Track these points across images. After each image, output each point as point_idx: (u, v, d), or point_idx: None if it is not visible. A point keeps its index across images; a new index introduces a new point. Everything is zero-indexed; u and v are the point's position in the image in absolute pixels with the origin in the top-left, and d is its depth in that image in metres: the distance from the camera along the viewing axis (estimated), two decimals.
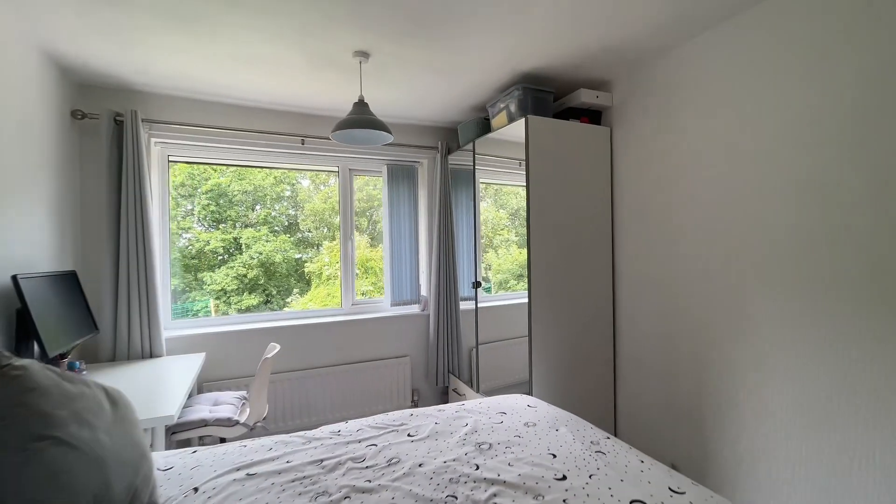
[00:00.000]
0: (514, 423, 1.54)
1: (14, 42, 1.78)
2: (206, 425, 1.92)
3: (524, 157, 2.26)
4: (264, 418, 2.18)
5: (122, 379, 1.99)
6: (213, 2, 1.63)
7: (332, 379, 2.95)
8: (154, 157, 2.64)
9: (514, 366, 2.43)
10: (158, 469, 1.26)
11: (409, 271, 3.36)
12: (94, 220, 2.37)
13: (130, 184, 2.34)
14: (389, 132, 2.13)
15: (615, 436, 2.38)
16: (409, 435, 1.47)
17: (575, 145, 2.41)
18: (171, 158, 2.78)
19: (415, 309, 3.35)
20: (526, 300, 2.30)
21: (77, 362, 1.97)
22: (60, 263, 2.08)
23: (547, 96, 2.43)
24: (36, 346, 1.64)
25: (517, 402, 1.74)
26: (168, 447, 1.88)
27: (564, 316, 2.37)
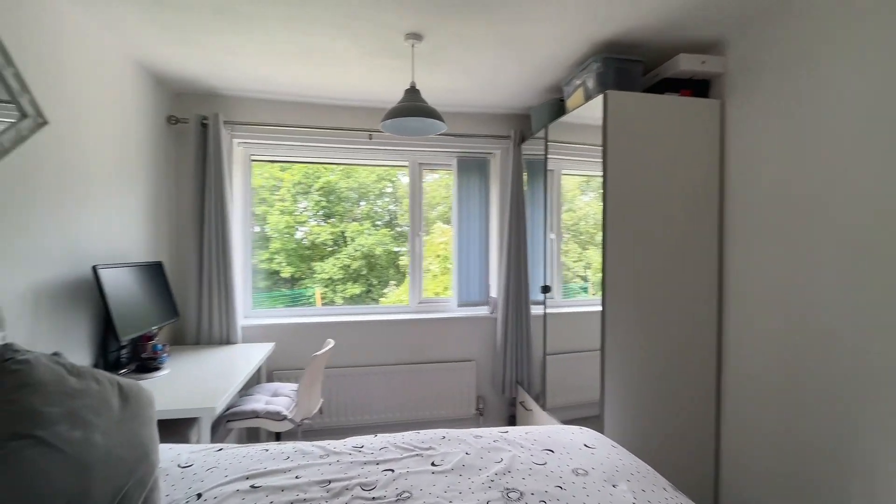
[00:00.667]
0: (560, 466, 1.25)
1: (113, 57, 1.98)
2: (256, 416, 1.96)
3: (601, 143, 1.90)
4: (320, 412, 2.19)
5: (192, 363, 2.14)
6: None
7: (395, 378, 2.89)
8: (237, 157, 2.82)
9: (590, 384, 2.09)
10: (179, 466, 1.26)
11: (479, 271, 3.15)
12: (182, 216, 2.61)
13: (212, 182, 2.52)
14: (441, 120, 1.95)
15: None
16: (432, 463, 1.29)
17: (671, 124, 1.96)
18: (252, 158, 2.96)
19: (483, 311, 3.14)
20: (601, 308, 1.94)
21: (160, 344, 2.16)
22: (150, 255, 2.31)
23: (634, 67, 2.01)
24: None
25: (572, 439, 1.44)
26: (220, 436, 1.96)
27: (650, 333, 1.95)
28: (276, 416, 1.97)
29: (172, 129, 2.57)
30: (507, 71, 2.31)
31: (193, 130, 2.52)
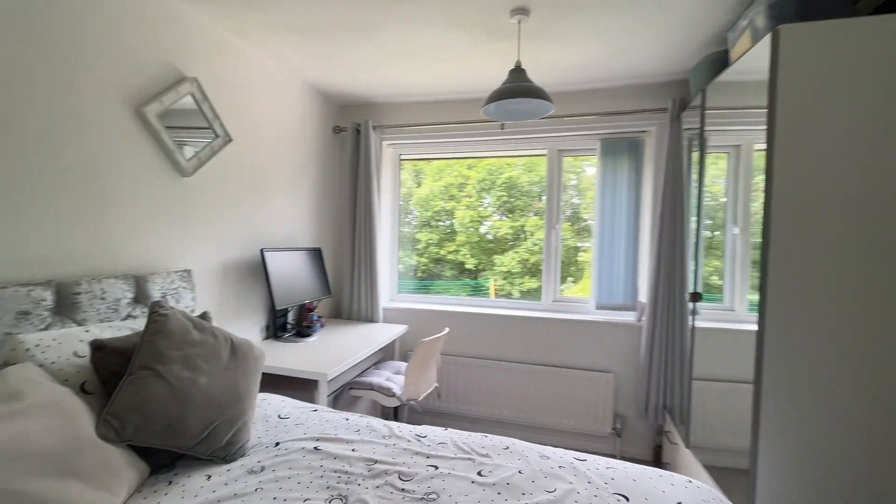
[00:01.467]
0: None
1: (286, 82, 2.49)
2: (371, 389, 2.18)
3: (766, 102, 1.37)
4: (437, 396, 2.27)
5: (337, 335, 2.52)
6: (368, 6, 1.76)
7: (522, 377, 2.78)
8: (387, 157, 3.17)
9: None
10: (279, 416, 1.51)
11: (625, 269, 2.72)
12: (340, 210, 3.08)
13: (362, 180, 2.90)
14: (548, 100, 1.74)
15: None
16: (479, 473, 1.18)
17: (885, 64, 1.26)
18: (401, 157, 3.28)
19: (627, 317, 2.70)
20: (758, 325, 1.42)
21: (316, 316, 2.63)
22: (312, 242, 2.82)
23: None
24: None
25: (665, 491, 1.10)
26: (346, 401, 2.25)
27: (840, 368, 1.32)
28: (387, 392, 2.15)
29: (337, 137, 3.06)
30: (648, 28, 1.90)
31: (350, 137, 2.95)
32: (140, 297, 1.59)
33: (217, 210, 2.02)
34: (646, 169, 2.70)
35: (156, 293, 1.63)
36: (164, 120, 1.72)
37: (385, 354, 2.86)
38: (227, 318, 2.11)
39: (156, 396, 1.12)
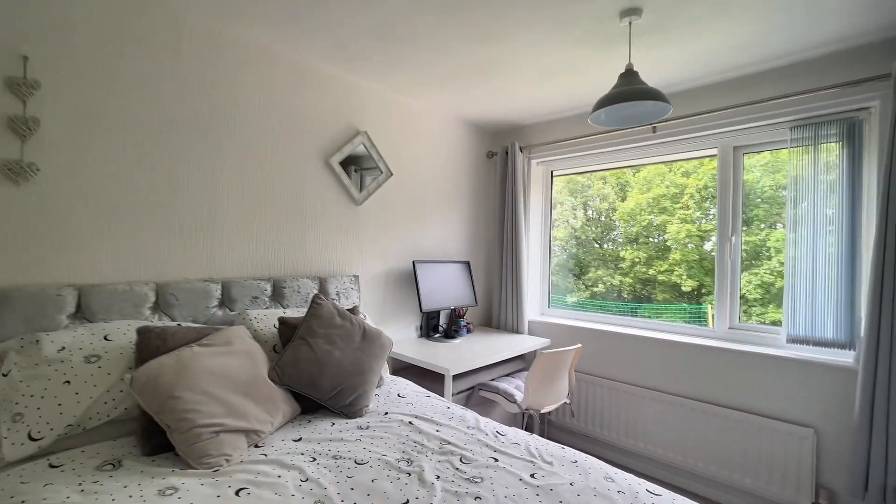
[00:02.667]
0: None
1: (441, 119, 2.96)
2: (497, 392, 2.32)
3: None
4: (572, 415, 2.22)
5: (480, 341, 2.76)
6: (491, 46, 2.00)
7: (680, 413, 2.40)
8: (537, 175, 3.28)
9: None
10: (398, 395, 1.85)
11: (836, 295, 2.06)
12: (490, 227, 3.34)
13: (509, 199, 3.10)
14: (665, 101, 1.59)
15: None
16: (531, 475, 1.21)
17: None
18: (555, 173, 3.33)
19: (841, 356, 2.02)
20: None
21: (464, 321, 2.95)
22: (463, 255, 3.15)
23: None
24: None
25: None
26: (476, 400, 2.44)
27: None
28: (510, 398, 2.25)
29: (490, 161, 3.37)
30: None
31: (500, 159, 3.21)
32: (322, 291, 2.22)
33: (381, 229, 2.58)
34: (868, 160, 2.01)
35: (332, 291, 2.23)
36: (343, 164, 2.36)
37: (526, 365, 2.93)
38: (387, 316, 2.64)
39: (304, 358, 1.59)
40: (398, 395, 1.86)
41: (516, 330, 3.07)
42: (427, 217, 2.89)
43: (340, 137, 2.36)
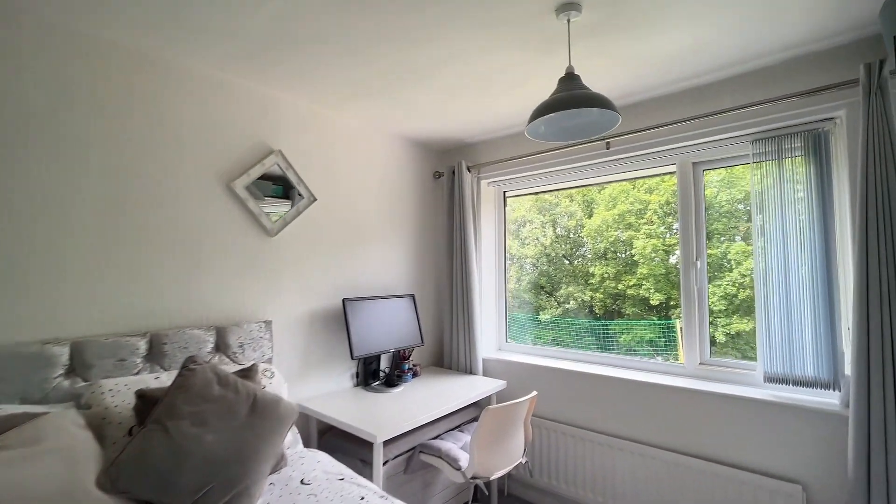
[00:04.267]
0: None
1: (376, 134, 2.65)
2: (439, 456, 1.94)
3: None
4: (530, 474, 1.88)
5: (425, 387, 2.39)
6: (413, 49, 1.71)
7: (651, 466, 2.09)
8: (489, 197, 3.00)
9: None
10: (302, 482, 1.45)
11: (813, 323, 1.82)
12: (438, 256, 3.01)
13: (457, 224, 2.79)
14: (613, 108, 1.32)
15: None
16: None
17: None
18: (507, 195, 3.06)
19: (825, 398, 1.78)
20: None
21: (407, 364, 2.57)
22: (407, 289, 2.80)
23: None
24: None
25: None
26: (416, 464, 2.05)
27: None
28: (454, 463, 1.88)
29: (438, 183, 3.06)
30: None
31: (447, 180, 2.91)
32: (221, 346, 1.81)
33: (303, 264, 2.20)
34: (837, 174, 1.81)
35: (234, 342, 1.82)
36: (251, 189, 1.98)
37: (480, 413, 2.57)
38: (312, 366, 2.23)
39: (155, 451, 1.18)
40: (301, 481, 1.46)
41: (469, 370, 2.72)
42: (363, 247, 2.54)
43: (248, 157, 2.00)
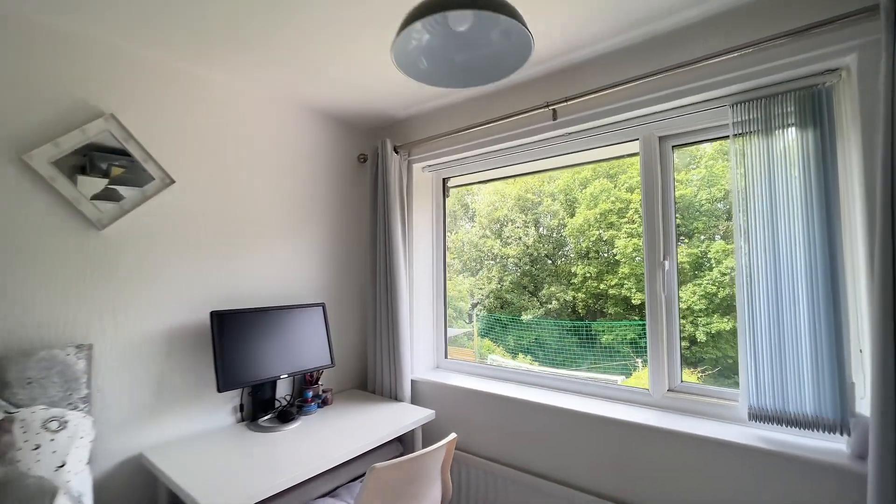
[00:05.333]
0: None
1: (290, 103, 2.13)
2: None
3: None
4: None
5: (332, 420, 1.89)
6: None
7: None
8: (425, 185, 2.50)
9: None
10: None
11: (813, 344, 1.36)
12: (361, 256, 2.50)
13: (380, 217, 2.29)
14: (521, 21, 0.83)
15: None
16: None
17: None
18: (449, 184, 2.57)
19: (830, 445, 1.32)
20: None
21: (311, 392, 2.06)
22: (317, 296, 2.28)
23: None
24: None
25: None
26: None
27: None
28: None
29: (364, 168, 2.56)
30: None
31: (370, 164, 2.41)
32: None
33: (154, 267, 1.68)
34: (843, 146, 1.36)
35: (14, 379, 1.29)
36: (61, 165, 1.45)
37: (407, 447, 2.08)
38: (172, 399, 1.70)
39: None
40: None
41: (395, 395, 2.22)
42: (253, 245, 2.02)
43: (59, 121, 1.47)
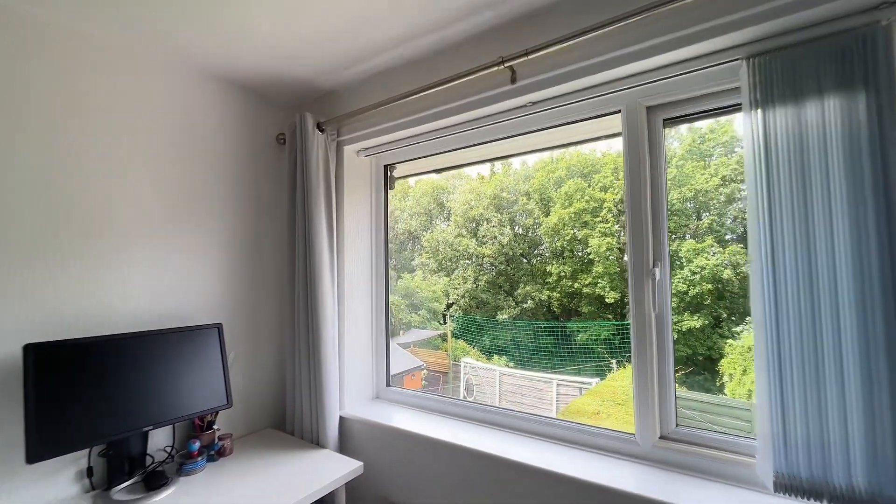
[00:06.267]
0: None
1: (185, 68, 1.61)
2: None
3: None
4: None
5: (226, 476, 1.40)
6: None
7: None
8: (361, 172, 2.03)
9: None
10: None
11: (868, 393, 0.96)
12: (273, 264, 2.00)
13: (299, 211, 1.81)
14: None
15: None
16: None
17: None
18: (394, 173, 2.10)
19: None
20: None
21: (195, 442, 1.57)
22: (212, 314, 1.77)
23: None
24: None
25: None
26: None
27: None
28: None
29: (283, 150, 2.06)
30: None
31: (288, 145, 1.91)
32: None
33: None
34: None
35: None
36: None
37: None
38: None
39: None
40: None
41: (317, 439, 1.75)
42: (120, 249, 1.50)
43: None
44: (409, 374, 8.82)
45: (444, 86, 1.47)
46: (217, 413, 1.65)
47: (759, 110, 1.08)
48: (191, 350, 1.57)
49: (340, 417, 1.80)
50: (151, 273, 1.58)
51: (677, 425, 1.32)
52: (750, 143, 1.10)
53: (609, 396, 6.70)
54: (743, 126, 1.13)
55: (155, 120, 1.61)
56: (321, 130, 1.83)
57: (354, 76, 1.81)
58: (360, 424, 1.76)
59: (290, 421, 1.86)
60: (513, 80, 1.39)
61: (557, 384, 8.19)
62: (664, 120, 1.37)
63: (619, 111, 1.41)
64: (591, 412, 6.42)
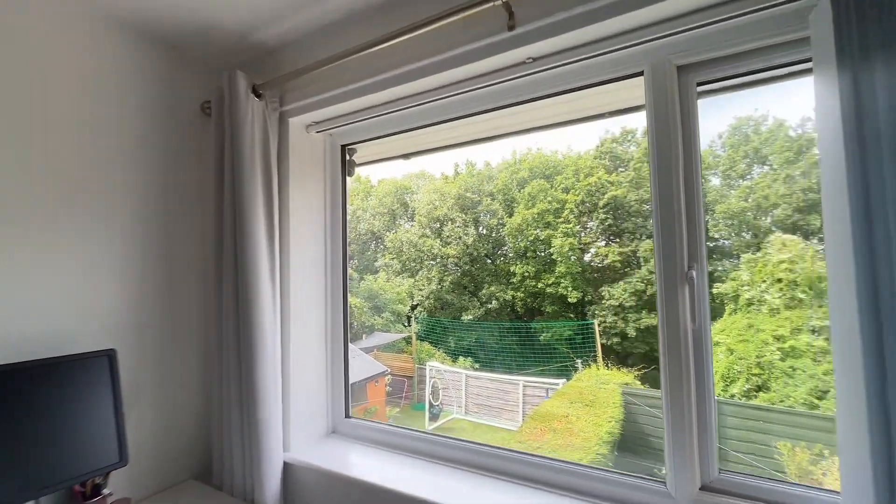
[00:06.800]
0: None
1: (86, 16, 1.15)
2: None
3: None
4: None
5: None
6: None
7: None
8: (312, 153, 1.63)
9: None
10: None
11: None
12: (198, 269, 1.57)
13: (227, 198, 1.39)
14: None
15: None
16: None
17: None
18: (350, 151, 1.71)
19: None
20: None
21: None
22: (101, 339, 1.31)
23: None
24: None
25: None
26: None
27: None
28: None
29: (209, 122, 1.62)
30: None
31: (215, 116, 1.49)
32: None
33: None
34: None
35: None
36: None
37: None
38: None
39: None
40: None
41: (250, 495, 1.34)
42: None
43: None
44: (371, 381, 8.36)
45: (419, 30, 1.11)
46: (108, 474, 1.21)
47: (829, 67, 0.80)
48: (69, 389, 1.12)
49: (284, 463, 1.39)
50: (11, 279, 1.12)
51: (720, 471, 1.03)
52: (830, 115, 0.82)
53: (577, 398, 6.57)
54: (816, 93, 0.85)
55: (32, 77, 1.15)
56: (258, 96, 1.42)
57: (303, 27, 1.41)
58: (310, 473, 1.37)
59: (217, 470, 1.43)
60: (510, 27, 1.06)
61: (524, 386, 8.01)
62: (697, 83, 1.09)
63: (641, 72, 1.11)
64: (560, 415, 6.27)
